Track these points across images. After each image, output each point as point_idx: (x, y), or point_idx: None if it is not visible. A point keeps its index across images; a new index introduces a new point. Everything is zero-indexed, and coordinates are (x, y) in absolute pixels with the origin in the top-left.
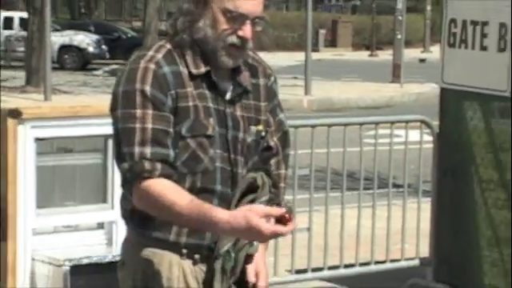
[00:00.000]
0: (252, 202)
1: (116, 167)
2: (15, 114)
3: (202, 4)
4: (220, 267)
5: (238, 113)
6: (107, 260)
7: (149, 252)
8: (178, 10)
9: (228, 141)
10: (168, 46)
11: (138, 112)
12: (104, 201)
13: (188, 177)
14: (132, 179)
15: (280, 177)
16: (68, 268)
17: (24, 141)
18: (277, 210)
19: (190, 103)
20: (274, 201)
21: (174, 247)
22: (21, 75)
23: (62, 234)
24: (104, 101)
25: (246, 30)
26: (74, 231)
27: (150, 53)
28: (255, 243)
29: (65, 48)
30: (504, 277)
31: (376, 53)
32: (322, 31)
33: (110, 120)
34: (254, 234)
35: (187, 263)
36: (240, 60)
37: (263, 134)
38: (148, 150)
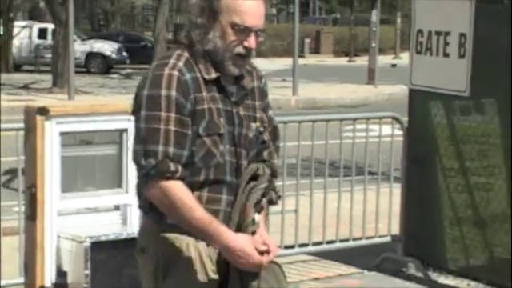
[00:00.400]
0: (253, 188)
1: (130, 158)
2: (43, 111)
3: (212, 18)
4: None
5: (242, 112)
6: (122, 237)
7: (167, 237)
8: (190, 23)
9: (235, 137)
10: (186, 54)
11: (163, 115)
12: (119, 186)
13: (203, 170)
14: (155, 176)
15: (272, 164)
16: (89, 244)
17: (50, 135)
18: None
19: (205, 106)
20: (269, 187)
21: (190, 232)
22: (48, 78)
23: (83, 214)
24: (119, 100)
25: (251, 41)
26: (93, 212)
27: (172, 61)
28: (256, 220)
29: (91, 55)
30: (463, 252)
31: (354, 59)
32: (307, 40)
33: (124, 116)
34: (242, 260)
35: (202, 245)
36: (244, 68)
37: (261, 129)
38: (171, 150)
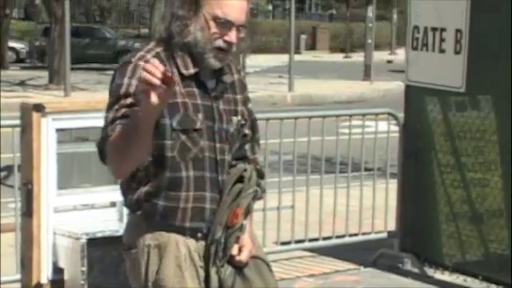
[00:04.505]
0: (241, 191)
1: None
2: (39, 108)
3: (194, 11)
4: (214, 251)
5: (221, 106)
6: (119, 234)
7: (157, 235)
8: (172, 15)
9: (214, 132)
10: (157, 49)
11: (122, 101)
12: (116, 182)
13: (182, 165)
14: (102, 147)
15: (256, 161)
16: (85, 241)
17: (46, 131)
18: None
19: (179, 100)
20: (258, 193)
21: (179, 230)
22: (44, 75)
23: (79, 211)
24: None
25: (232, 36)
26: (90, 209)
27: (140, 53)
28: (244, 225)
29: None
30: (459, 247)
31: (350, 55)
32: (304, 36)
33: None
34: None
35: (191, 242)
36: (224, 62)
37: (242, 122)
38: (115, 123)
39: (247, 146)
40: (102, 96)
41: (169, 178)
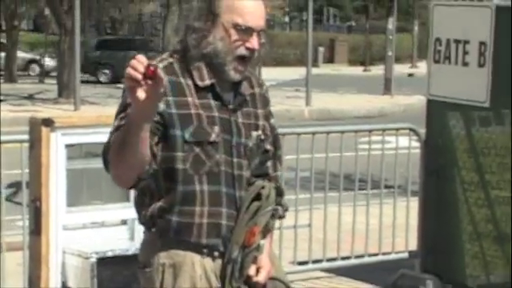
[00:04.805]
0: (259, 209)
1: None
2: (48, 122)
3: (212, 21)
4: (230, 271)
5: (240, 120)
6: (130, 253)
7: (172, 253)
8: (187, 27)
9: (232, 146)
10: (170, 59)
11: (128, 110)
12: (127, 200)
13: (195, 178)
14: (105, 155)
15: (277, 179)
16: (95, 260)
17: (56, 147)
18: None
19: (192, 111)
20: (278, 212)
21: (196, 247)
22: (53, 88)
23: (89, 229)
24: None
25: (254, 42)
26: (100, 227)
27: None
28: (261, 245)
29: None
30: (483, 268)
31: (369, 68)
32: (321, 49)
33: None
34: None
35: (208, 261)
36: (244, 74)
37: (262, 137)
38: (118, 131)
39: (269, 163)
40: (113, 110)
41: (182, 192)
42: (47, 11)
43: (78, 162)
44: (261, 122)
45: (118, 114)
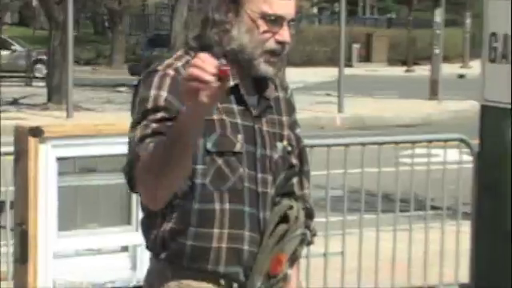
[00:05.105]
0: (286, 233)
1: None
2: (36, 132)
3: (234, 12)
4: None
5: (265, 128)
6: (132, 285)
7: (184, 285)
8: (205, 21)
9: (256, 159)
10: (187, 57)
11: (150, 116)
12: (128, 223)
13: (215, 196)
14: (130, 171)
15: (305, 198)
16: None
17: (45, 160)
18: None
19: (215, 117)
20: (307, 237)
21: (212, 277)
22: (42, 92)
23: (84, 257)
24: (128, 119)
25: (285, 34)
26: (96, 254)
27: (169, 60)
28: (288, 275)
29: None
30: None
31: (412, 68)
32: (356, 46)
33: None
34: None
35: None
36: (278, 67)
37: (289, 149)
38: (144, 142)
39: (295, 180)
40: (112, 117)
41: (198, 211)
42: (35, 2)
43: (72, 179)
44: (286, 132)
45: (137, 121)
